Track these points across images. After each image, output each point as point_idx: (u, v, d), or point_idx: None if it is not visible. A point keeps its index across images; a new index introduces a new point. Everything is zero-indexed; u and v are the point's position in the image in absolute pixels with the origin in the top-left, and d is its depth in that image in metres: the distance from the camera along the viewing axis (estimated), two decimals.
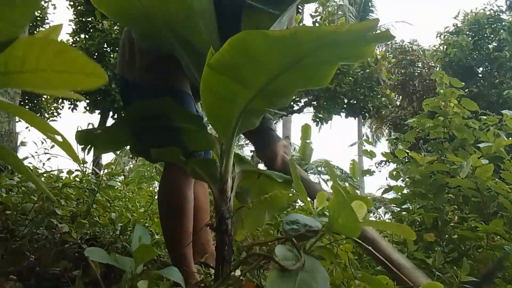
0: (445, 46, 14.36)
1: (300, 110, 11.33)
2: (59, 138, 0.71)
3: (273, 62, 0.84)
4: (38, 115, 10.03)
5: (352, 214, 0.70)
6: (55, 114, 10.35)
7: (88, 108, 9.34)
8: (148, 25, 1.00)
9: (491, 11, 14.43)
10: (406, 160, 2.36)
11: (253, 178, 1.24)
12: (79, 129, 1.18)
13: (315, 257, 0.77)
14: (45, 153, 2.92)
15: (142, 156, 1.25)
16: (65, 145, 0.74)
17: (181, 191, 1.36)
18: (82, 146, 1.17)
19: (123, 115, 1.18)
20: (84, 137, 1.16)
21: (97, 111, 9.54)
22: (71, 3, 8.93)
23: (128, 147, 1.28)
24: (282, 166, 1.31)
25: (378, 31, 0.87)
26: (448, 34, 14.97)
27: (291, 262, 0.67)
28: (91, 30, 9.10)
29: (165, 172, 1.45)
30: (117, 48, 8.95)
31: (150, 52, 1.33)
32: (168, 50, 1.13)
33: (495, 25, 13.89)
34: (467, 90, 11.93)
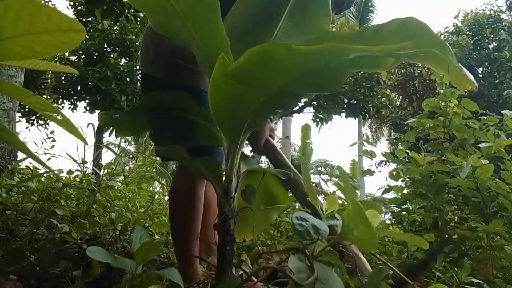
0: None
1: (300, 110, 11.33)
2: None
3: (292, 71, 0.83)
4: (38, 115, 10.02)
5: (370, 230, 0.69)
6: (55, 114, 10.33)
7: (88, 108, 9.34)
8: (165, 15, 0.98)
9: (491, 11, 14.42)
10: (406, 160, 2.37)
11: (257, 177, 1.24)
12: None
13: (323, 263, 0.76)
14: (45, 153, 2.92)
15: (158, 145, 1.27)
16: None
17: (195, 190, 1.38)
18: (105, 127, 1.22)
19: (140, 101, 1.22)
20: (107, 119, 1.19)
21: (97, 111, 9.54)
22: (71, 3, 8.92)
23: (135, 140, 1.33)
24: (265, 149, 1.31)
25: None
26: (448, 34, 14.96)
27: (305, 274, 0.67)
28: (91, 30, 9.10)
29: (180, 171, 1.47)
30: (117, 48, 8.95)
31: (174, 52, 1.37)
32: (182, 44, 1.12)
33: (495, 25, 13.88)
34: (467, 90, 11.89)
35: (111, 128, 1.25)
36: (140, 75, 1.53)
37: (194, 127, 1.18)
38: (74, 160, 2.11)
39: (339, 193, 2.29)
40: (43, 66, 0.76)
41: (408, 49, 0.73)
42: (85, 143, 1.09)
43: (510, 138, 2.05)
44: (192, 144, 1.17)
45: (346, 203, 1.84)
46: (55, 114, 0.80)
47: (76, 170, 2.13)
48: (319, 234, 0.76)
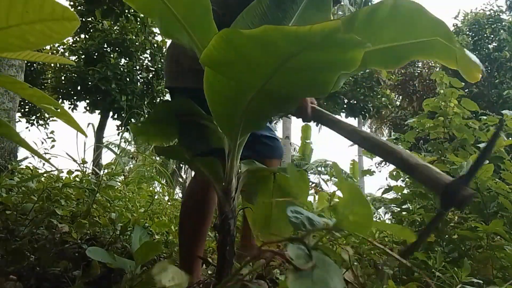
0: None
1: None
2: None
3: (260, 61, 0.84)
4: (38, 115, 10.00)
5: (366, 208, 0.70)
6: (55, 116, 10.31)
7: (88, 108, 9.34)
8: (168, 19, 0.99)
9: (491, 11, 14.43)
10: None
11: (267, 178, 1.24)
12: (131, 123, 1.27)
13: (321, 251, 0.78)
14: (45, 153, 2.91)
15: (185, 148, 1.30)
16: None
17: (207, 192, 1.39)
18: (136, 138, 1.24)
19: (155, 111, 1.23)
20: (136, 129, 1.20)
21: (97, 111, 9.55)
22: (71, 3, 8.93)
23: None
24: (314, 115, 1.32)
25: None
26: None
27: (303, 260, 0.69)
28: (91, 30, 9.11)
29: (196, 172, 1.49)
30: (117, 48, 8.95)
31: (193, 59, 1.39)
32: (186, 47, 1.13)
33: (495, 25, 13.88)
34: (467, 90, 11.91)
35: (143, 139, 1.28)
36: (168, 92, 1.57)
37: (206, 131, 1.22)
38: (74, 160, 2.11)
39: (339, 193, 2.29)
40: (39, 57, 0.76)
41: (338, 31, 0.70)
42: (84, 135, 1.09)
43: (510, 138, 2.05)
44: (207, 147, 1.20)
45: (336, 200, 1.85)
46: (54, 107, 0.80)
47: (76, 170, 2.13)
48: (314, 225, 0.78)
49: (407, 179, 2.18)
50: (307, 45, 0.76)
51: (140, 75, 9.11)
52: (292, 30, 0.73)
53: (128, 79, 8.77)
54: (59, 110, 0.79)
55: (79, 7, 8.96)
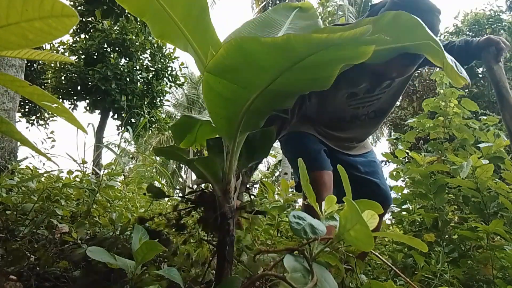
0: None
1: None
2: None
3: (270, 66, 0.84)
4: (38, 115, 9.98)
5: (366, 230, 0.68)
6: (55, 114, 10.29)
7: (88, 108, 9.34)
8: (164, 21, 1.00)
9: (491, 11, 14.42)
10: (406, 160, 2.37)
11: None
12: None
13: (321, 264, 0.75)
14: (45, 153, 2.91)
15: None
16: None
17: None
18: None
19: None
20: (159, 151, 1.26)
21: (97, 111, 9.55)
22: (71, 3, 8.93)
23: None
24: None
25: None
26: (448, 34, 14.96)
27: (300, 274, 0.66)
28: (91, 30, 9.11)
29: None
30: (117, 48, 8.94)
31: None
32: (182, 49, 1.14)
33: (495, 25, 13.87)
34: (467, 90, 11.92)
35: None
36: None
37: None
38: (74, 160, 2.11)
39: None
40: (38, 56, 0.76)
41: (366, 34, 0.73)
42: (85, 132, 1.09)
43: None
44: None
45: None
46: (54, 104, 0.80)
47: (76, 170, 2.13)
48: (316, 233, 0.75)
49: (407, 179, 2.18)
50: (327, 46, 0.77)
51: (140, 75, 9.10)
52: (318, 38, 0.73)
53: (128, 79, 8.76)
54: (59, 107, 0.79)
55: (79, 7, 8.96)
